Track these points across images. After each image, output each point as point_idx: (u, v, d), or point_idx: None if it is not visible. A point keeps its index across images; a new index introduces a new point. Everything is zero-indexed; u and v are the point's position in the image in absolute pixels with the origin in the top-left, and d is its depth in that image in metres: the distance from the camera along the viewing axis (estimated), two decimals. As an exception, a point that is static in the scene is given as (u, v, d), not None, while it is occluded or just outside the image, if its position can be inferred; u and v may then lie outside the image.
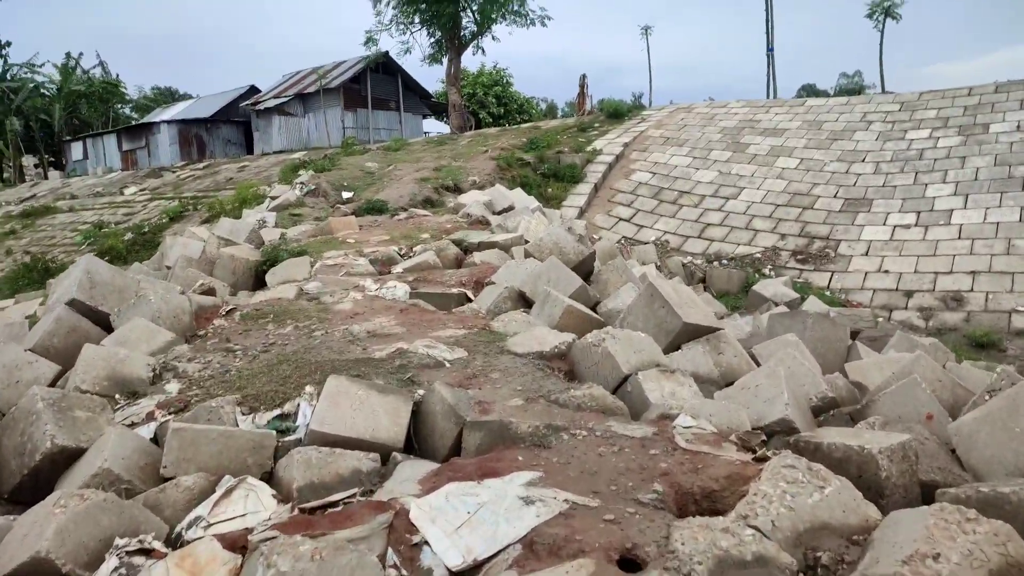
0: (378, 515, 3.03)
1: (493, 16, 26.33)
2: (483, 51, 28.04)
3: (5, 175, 40.28)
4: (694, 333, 5.61)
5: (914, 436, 3.57)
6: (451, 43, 26.96)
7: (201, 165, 29.50)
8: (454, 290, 7.34)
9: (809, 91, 52.30)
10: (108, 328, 6.18)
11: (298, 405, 4.44)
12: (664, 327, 5.60)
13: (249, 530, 3.14)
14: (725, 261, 13.34)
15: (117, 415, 4.56)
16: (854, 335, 7.33)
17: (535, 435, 3.75)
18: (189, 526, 3.30)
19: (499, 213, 12.15)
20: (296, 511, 3.28)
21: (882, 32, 31.43)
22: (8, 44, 44.67)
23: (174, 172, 29.99)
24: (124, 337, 5.71)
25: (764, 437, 3.75)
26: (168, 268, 9.39)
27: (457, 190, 15.14)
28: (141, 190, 27.84)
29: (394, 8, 27.39)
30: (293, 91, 32.16)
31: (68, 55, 42.03)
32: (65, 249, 20.16)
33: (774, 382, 4.29)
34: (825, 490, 2.93)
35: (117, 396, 4.80)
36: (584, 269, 7.68)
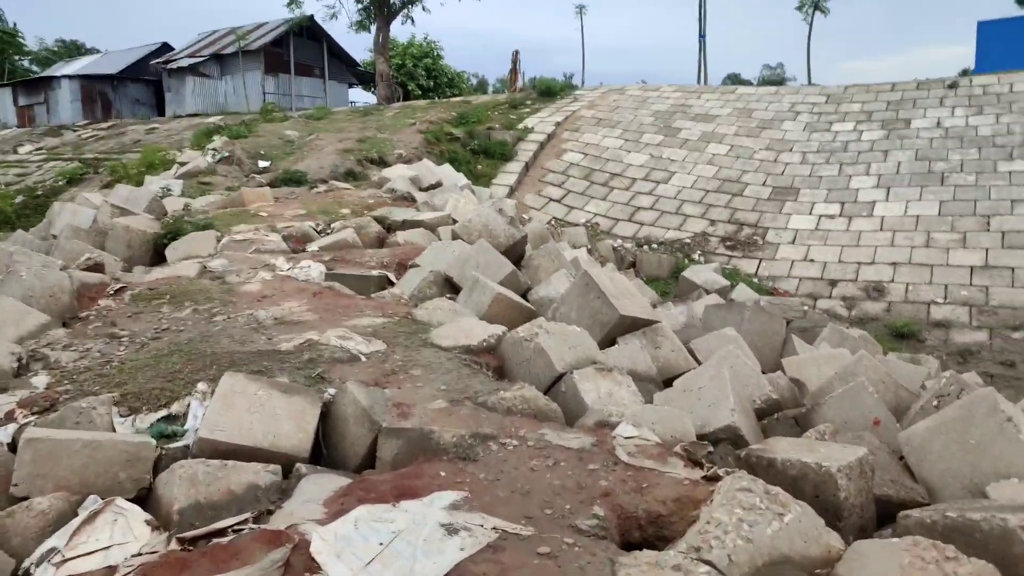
0: (271, 551, 2.54)
1: (425, -16, 25.39)
2: (412, 21, 27.11)
3: None
4: (631, 326, 5.29)
5: (868, 449, 3.32)
6: (380, 10, 25.89)
7: (105, 125, 27.52)
8: (374, 272, 6.80)
9: (734, 80, 53.32)
10: (-30, 307, 5.37)
11: (188, 405, 3.86)
12: (599, 319, 5.25)
13: (112, 569, 2.60)
14: (655, 246, 13.19)
15: (-33, 415, 3.87)
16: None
17: (460, 446, 3.32)
18: (40, 561, 2.73)
19: (426, 189, 11.58)
20: (173, 542, 2.75)
21: (811, 25, 32.07)
22: None
23: (75, 131, 27.88)
24: (-13, 319, 4.95)
25: (711, 448, 3.44)
26: (55, 238, 8.45)
27: (382, 163, 14.45)
28: (37, 149, 25.76)
29: (320, -31, 26.06)
30: (209, 51, 30.31)
31: (-43, -1, 38.40)
32: (-54, 211, 18.33)
33: (719, 384, 3.99)
34: (785, 518, 2.62)
35: (-31, 392, 4.10)
36: (515, 253, 7.27)
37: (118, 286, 6.05)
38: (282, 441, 3.50)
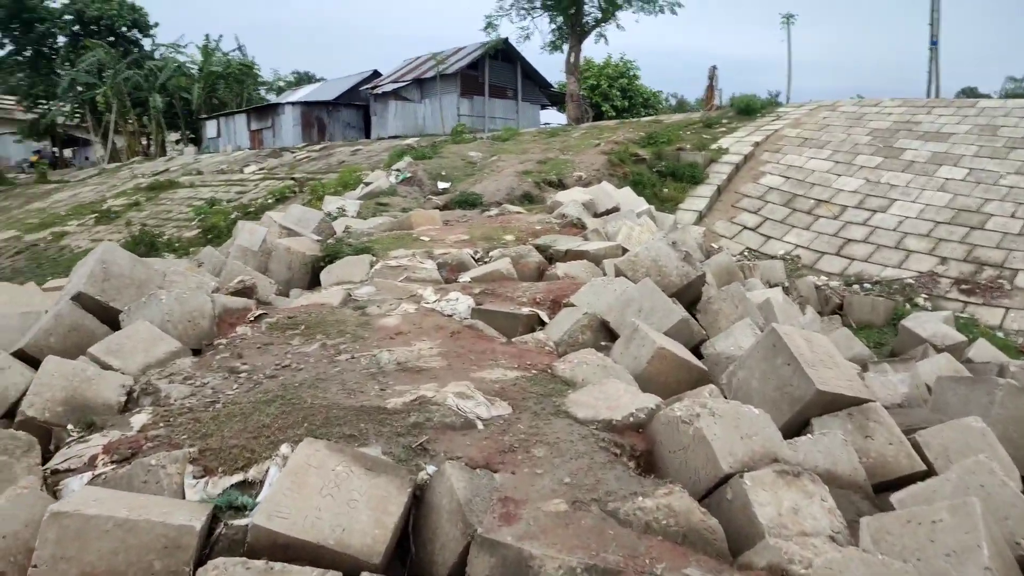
0: None
1: (619, 1, 24.68)
2: (605, 40, 26.44)
3: (147, 150, 42.56)
4: (831, 405, 4.05)
5: None
6: (572, 30, 25.54)
7: (317, 147, 29.66)
8: (524, 310, 6.03)
9: (969, 94, 46.99)
10: (117, 328, 5.33)
11: (267, 471, 3.29)
12: (789, 393, 4.06)
13: None
14: (868, 286, 11.27)
15: (55, 457, 3.60)
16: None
17: (568, 585, 2.40)
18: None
19: (601, 215, 10.72)
20: None
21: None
22: (155, 25, 47.37)
23: (293, 153, 30.34)
24: (118, 344, 4.80)
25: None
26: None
27: (561, 186, 13.80)
28: (259, 168, 28.26)
29: (516, -8, 26.29)
30: (411, 76, 31.79)
31: (207, 37, 43.83)
32: (177, 224, 20.45)
33: (964, 521, 2.72)
34: None
35: (70, 427, 3.84)
36: (690, 295, 6.18)
37: (259, 312, 5.80)
38: (353, 538, 2.79)
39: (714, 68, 22.26)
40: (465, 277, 6.91)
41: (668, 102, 46.20)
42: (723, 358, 5.17)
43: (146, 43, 48.73)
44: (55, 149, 48.43)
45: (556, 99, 36.18)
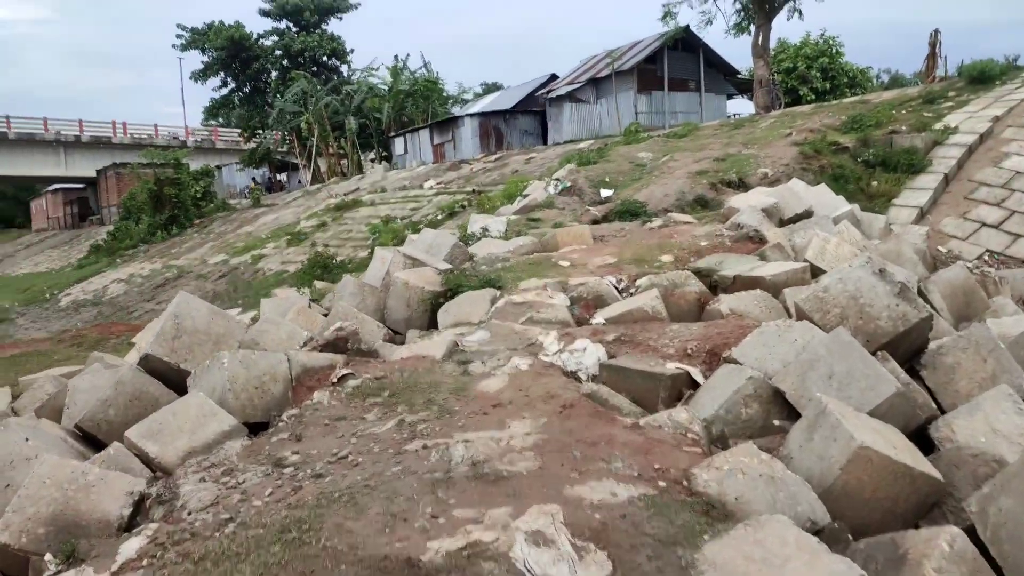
0: None
1: (815, -32, 21.67)
2: (800, 14, 23.42)
3: (344, 170, 45.26)
4: None
5: None
6: (760, 6, 22.93)
7: (493, 157, 29.43)
8: (670, 366, 4.56)
9: None
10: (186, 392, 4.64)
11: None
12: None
13: None
14: None
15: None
16: None
17: None
18: None
19: (788, 222, 8.80)
20: None
21: None
22: (351, 52, 50.40)
23: (470, 164, 30.39)
24: (161, 423, 4.05)
25: None
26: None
27: (742, 186, 11.89)
28: (439, 183, 28.52)
29: (695, -26, 24.13)
30: (586, 77, 30.54)
31: (396, 57, 45.72)
32: (355, 244, 20.88)
33: None
34: None
35: (49, 557, 3.05)
36: (908, 344, 4.36)
37: (344, 372, 4.87)
38: None
39: (936, 32, 18.77)
40: (599, 318, 5.54)
41: (879, 80, 41.02)
42: (967, 456, 3.39)
43: (344, 70, 52.23)
44: (270, 175, 53.20)
45: (744, 87, 33.18)
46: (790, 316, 5.40)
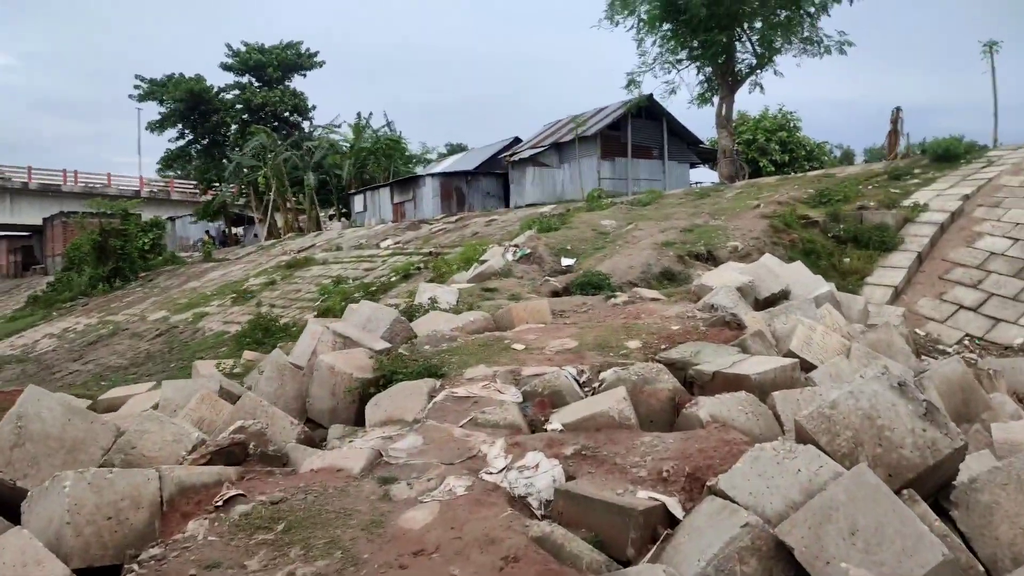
0: None
1: (777, 44, 21.89)
2: (761, 88, 23.57)
3: (301, 226, 44.20)
4: None
5: None
6: (723, 79, 22.99)
7: (454, 218, 28.75)
8: (641, 495, 3.65)
9: None
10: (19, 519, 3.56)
11: None
12: None
13: None
14: None
15: None
16: None
17: None
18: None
19: (766, 302, 8.10)
20: None
21: None
22: (313, 108, 49.99)
23: (430, 225, 29.66)
24: (-43, 580, 2.96)
25: None
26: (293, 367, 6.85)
27: (711, 259, 11.26)
28: (396, 243, 27.67)
29: (659, 46, 24.20)
30: (549, 141, 30.38)
31: (359, 115, 45.38)
32: (302, 305, 19.76)
33: None
34: None
35: None
36: (936, 479, 3.51)
37: (231, 493, 3.83)
38: None
39: (898, 110, 18.84)
40: (556, 423, 4.61)
41: (832, 155, 41.92)
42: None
43: (306, 126, 51.68)
44: (225, 229, 51.80)
45: (707, 156, 33.41)
46: (780, 424, 4.56)
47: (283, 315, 18.30)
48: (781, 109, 36.56)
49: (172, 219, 52.19)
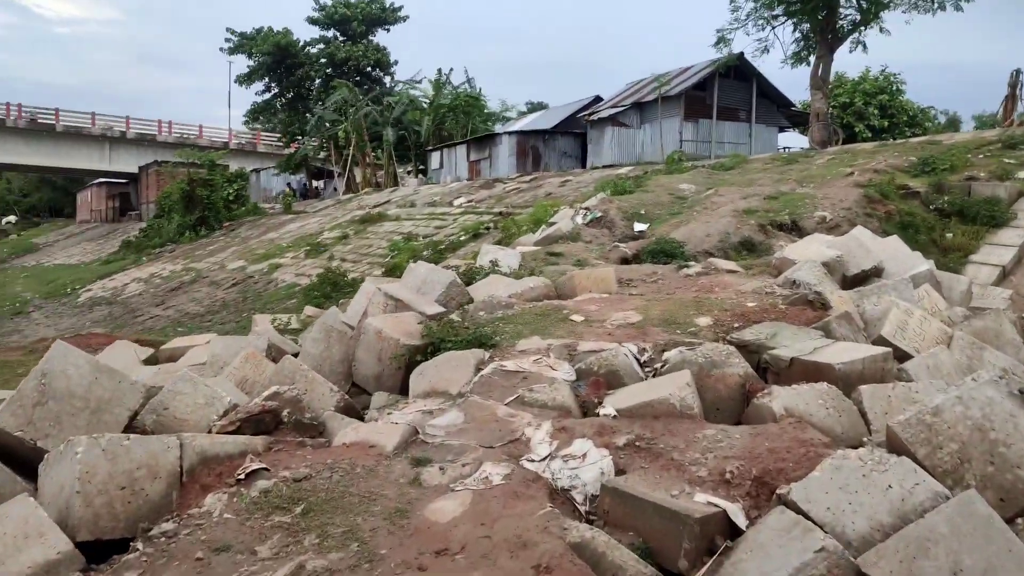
0: None
1: (884, -1, 20.17)
2: (864, 47, 21.86)
3: (379, 181, 44.49)
4: None
5: None
6: (822, 36, 21.43)
7: (528, 178, 28.21)
8: (699, 499, 3.22)
9: None
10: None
11: None
12: None
13: None
14: None
15: None
16: None
17: None
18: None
19: (855, 280, 7.37)
20: None
21: None
22: (395, 63, 49.92)
23: (503, 184, 29.24)
24: (-41, 545, 2.82)
25: None
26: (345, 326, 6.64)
27: (795, 229, 10.46)
28: (469, 201, 27.40)
29: (754, 0, 22.73)
30: (630, 100, 29.25)
31: (439, 71, 45.02)
32: (372, 260, 19.80)
33: None
34: None
35: None
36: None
37: (255, 466, 3.60)
38: None
39: (1017, 73, 17.11)
40: (609, 407, 4.19)
41: (937, 120, 39.04)
42: None
43: (387, 81, 51.74)
44: (307, 182, 52.78)
45: (798, 120, 31.57)
46: (867, 425, 4.00)
47: (352, 270, 18.37)
48: (884, 71, 34.14)
49: (257, 171, 53.53)
